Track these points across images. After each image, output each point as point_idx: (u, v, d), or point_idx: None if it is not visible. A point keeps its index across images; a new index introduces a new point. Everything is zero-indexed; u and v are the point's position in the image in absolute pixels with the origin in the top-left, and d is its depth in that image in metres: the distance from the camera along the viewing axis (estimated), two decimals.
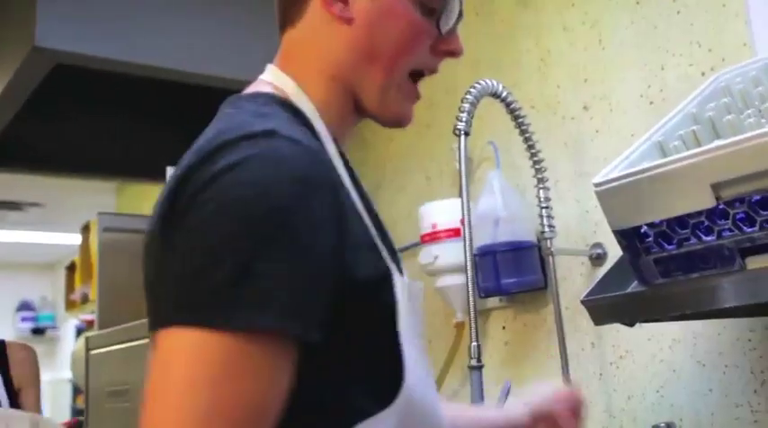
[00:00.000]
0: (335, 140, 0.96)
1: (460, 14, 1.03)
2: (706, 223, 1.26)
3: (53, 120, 3.14)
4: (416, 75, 1.03)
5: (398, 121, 1.04)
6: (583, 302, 1.51)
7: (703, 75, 1.94)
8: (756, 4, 1.88)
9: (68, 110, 3.14)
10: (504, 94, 2.02)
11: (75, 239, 5.72)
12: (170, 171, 2.41)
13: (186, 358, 0.72)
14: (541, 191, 2.07)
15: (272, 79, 1.00)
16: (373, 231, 0.91)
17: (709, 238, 1.27)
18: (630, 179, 1.29)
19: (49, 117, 3.05)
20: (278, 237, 0.75)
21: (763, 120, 1.37)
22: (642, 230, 1.33)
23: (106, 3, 2.46)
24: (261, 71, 2.79)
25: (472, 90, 1.92)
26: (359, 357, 0.85)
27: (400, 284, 0.89)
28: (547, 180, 2.09)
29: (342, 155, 0.97)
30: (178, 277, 0.76)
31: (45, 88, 2.64)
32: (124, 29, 2.47)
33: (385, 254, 0.91)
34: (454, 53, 1.04)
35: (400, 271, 0.94)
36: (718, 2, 1.95)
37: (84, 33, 2.40)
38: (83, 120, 3.24)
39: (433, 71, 1.05)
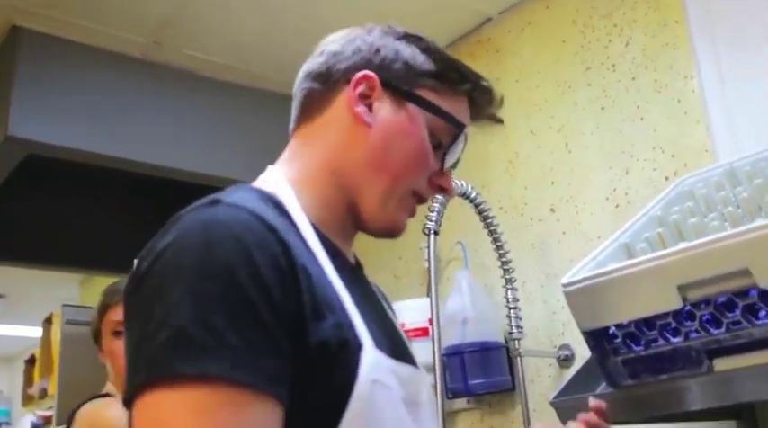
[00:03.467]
0: (320, 231, 0.97)
1: (458, 159, 1.08)
2: (673, 324, 1.27)
3: (20, 209, 3.12)
4: (417, 196, 1.06)
5: (391, 230, 1.05)
6: (552, 403, 1.50)
7: (667, 180, 1.99)
8: (716, 113, 1.94)
9: (36, 199, 3.13)
10: (474, 195, 2.05)
11: (36, 332, 5.61)
12: None
13: (150, 421, 0.75)
14: (509, 291, 2.08)
15: (264, 177, 1.03)
16: (349, 303, 0.90)
17: (676, 340, 1.28)
18: (598, 280, 1.30)
19: (15, 206, 3.04)
20: (224, 295, 0.77)
21: (726, 223, 1.40)
22: (610, 331, 1.33)
23: (80, 95, 2.48)
24: (230, 167, 2.80)
25: None
26: None
27: (372, 362, 0.86)
28: (515, 280, 2.10)
29: (329, 244, 0.97)
30: (134, 345, 0.80)
31: (14, 177, 2.64)
32: (97, 121, 2.49)
33: (361, 327, 0.88)
34: (446, 190, 1.08)
35: (401, 359, 0.93)
36: (680, 109, 2.01)
37: (57, 124, 2.41)
38: (51, 210, 3.23)
39: (423, 201, 1.08)
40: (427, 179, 1.05)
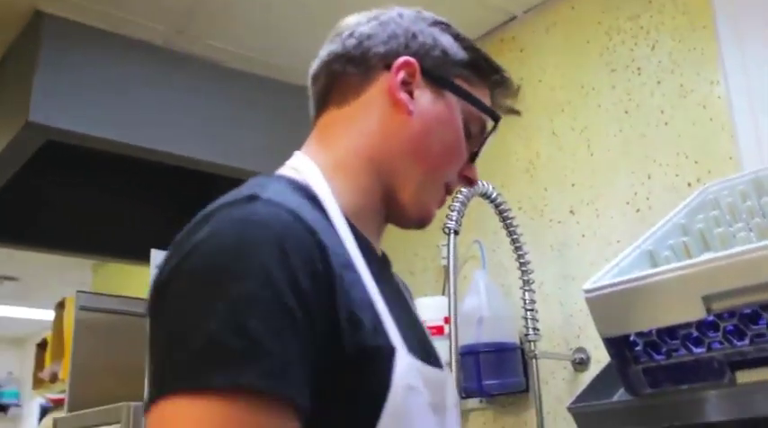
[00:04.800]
0: (353, 225, 0.94)
1: (481, 147, 1.07)
2: (696, 335, 1.26)
3: (35, 193, 3.13)
4: (447, 187, 1.05)
5: (423, 220, 1.03)
6: (569, 409, 1.49)
7: (689, 186, 1.98)
8: (742, 120, 1.92)
9: (51, 184, 3.13)
10: (494, 195, 2.04)
11: (48, 315, 5.63)
12: (155, 253, 2.40)
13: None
14: (527, 293, 2.07)
15: (293, 163, 1.00)
16: (382, 306, 0.87)
17: (698, 350, 1.27)
18: (621, 287, 1.29)
19: (30, 190, 3.04)
20: (261, 298, 0.73)
21: (752, 234, 1.38)
22: (631, 338, 1.33)
23: (101, 82, 2.48)
24: (249, 158, 2.78)
25: (463, 189, 1.93)
26: None
27: (406, 367, 0.84)
28: (532, 282, 2.09)
29: (361, 238, 0.94)
30: (159, 349, 0.75)
31: (30, 161, 2.64)
32: (116, 109, 2.49)
33: (393, 331, 0.86)
34: (471, 181, 1.08)
35: (429, 361, 0.91)
36: (705, 115, 2.00)
37: (77, 111, 2.41)
38: (66, 195, 3.23)
39: (450, 192, 1.06)
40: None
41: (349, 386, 0.80)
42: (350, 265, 0.86)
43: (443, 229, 1.91)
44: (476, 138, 1.05)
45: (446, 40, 1.04)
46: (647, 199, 2.08)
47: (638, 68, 2.17)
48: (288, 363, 0.73)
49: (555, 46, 2.42)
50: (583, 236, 2.20)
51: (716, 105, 1.98)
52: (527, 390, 2.19)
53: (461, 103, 1.02)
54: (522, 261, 2.10)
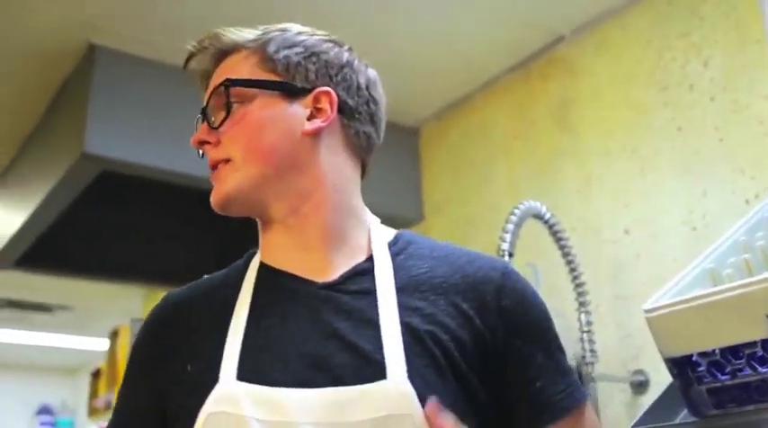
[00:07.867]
0: (268, 267, 1.10)
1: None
2: (761, 353, 1.24)
3: (89, 223, 3.17)
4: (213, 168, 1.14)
5: (214, 204, 1.16)
6: None
7: (747, 203, 1.94)
8: None
9: (105, 213, 3.18)
10: (548, 216, 2.02)
11: (101, 344, 5.70)
12: None
13: None
14: (583, 314, 2.04)
15: None
16: (232, 342, 1.00)
17: (764, 370, 1.24)
18: (683, 306, 1.27)
19: (85, 220, 3.09)
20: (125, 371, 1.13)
21: None
22: (694, 358, 1.30)
23: (155, 112, 2.52)
24: None
25: (516, 211, 1.92)
26: None
27: (218, 394, 0.96)
28: (588, 303, 2.06)
29: (269, 273, 1.09)
30: None
31: (85, 192, 2.68)
32: (171, 138, 2.52)
33: (229, 365, 0.98)
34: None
35: (280, 380, 0.96)
36: (760, 130, 1.96)
37: (131, 141, 2.45)
38: (120, 224, 3.27)
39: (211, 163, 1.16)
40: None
41: (180, 414, 1.01)
42: (217, 319, 1.05)
43: (498, 252, 1.89)
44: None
45: None
46: (704, 217, 2.04)
47: (691, 85, 2.14)
48: (117, 408, 1.11)
49: (605, 65, 2.40)
50: (638, 256, 2.17)
51: None
52: None
53: None
54: (576, 282, 2.07)
